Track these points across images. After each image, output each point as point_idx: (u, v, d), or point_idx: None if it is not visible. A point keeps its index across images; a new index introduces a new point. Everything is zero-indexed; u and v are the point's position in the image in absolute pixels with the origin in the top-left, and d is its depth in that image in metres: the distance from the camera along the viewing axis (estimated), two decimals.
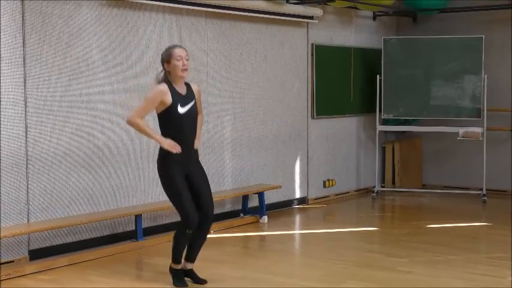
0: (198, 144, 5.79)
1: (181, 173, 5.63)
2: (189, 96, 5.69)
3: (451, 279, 5.99)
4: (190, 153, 5.69)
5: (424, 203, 10.11)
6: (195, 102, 5.73)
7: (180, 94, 5.61)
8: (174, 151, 5.55)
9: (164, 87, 5.56)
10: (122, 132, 7.23)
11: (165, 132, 5.64)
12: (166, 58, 5.60)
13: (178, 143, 5.58)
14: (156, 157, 5.73)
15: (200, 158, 5.88)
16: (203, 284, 5.84)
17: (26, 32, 6.42)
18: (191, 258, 5.87)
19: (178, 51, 5.59)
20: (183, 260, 5.85)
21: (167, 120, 5.61)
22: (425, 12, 10.76)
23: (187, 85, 5.73)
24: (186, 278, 5.81)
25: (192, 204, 5.63)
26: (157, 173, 5.72)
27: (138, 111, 5.64)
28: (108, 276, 6.06)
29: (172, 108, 5.55)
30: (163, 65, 5.64)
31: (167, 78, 5.62)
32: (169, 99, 5.54)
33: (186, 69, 5.61)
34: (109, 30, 7.14)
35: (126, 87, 7.26)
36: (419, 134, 11.11)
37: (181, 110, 5.58)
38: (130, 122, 5.63)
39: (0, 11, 6.20)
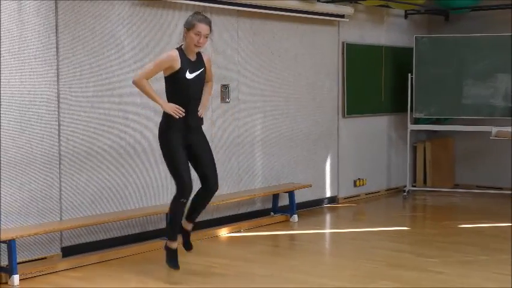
0: (202, 111, 5.82)
1: (181, 141, 5.67)
2: (199, 63, 5.73)
3: (482, 280, 5.93)
4: (193, 120, 5.72)
5: (456, 203, 10.02)
6: (204, 70, 5.76)
7: (189, 60, 5.66)
8: (177, 115, 5.57)
9: (175, 53, 5.62)
10: (153, 130, 7.27)
11: (170, 97, 5.68)
12: (188, 26, 5.64)
13: (181, 108, 5.61)
14: None
15: (209, 128, 5.90)
16: (187, 250, 5.94)
17: (59, 31, 6.49)
18: (191, 217, 5.93)
19: (200, 26, 5.61)
20: (183, 219, 5.90)
21: (174, 84, 5.65)
22: (457, 10, 10.66)
23: (198, 53, 5.76)
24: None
25: (188, 173, 5.66)
26: (158, 137, 5.77)
27: (144, 73, 5.68)
28: (138, 274, 6.10)
29: (180, 73, 5.59)
30: (184, 28, 5.68)
31: (181, 44, 5.68)
32: (178, 64, 5.59)
33: (198, 46, 5.65)
34: (141, 29, 7.19)
35: (157, 87, 7.28)
36: (451, 133, 11.02)
37: (189, 75, 5.63)
38: (135, 83, 5.69)
39: (34, 10, 6.28)
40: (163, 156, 5.79)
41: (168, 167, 5.80)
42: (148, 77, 5.68)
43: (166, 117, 5.67)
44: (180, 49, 5.69)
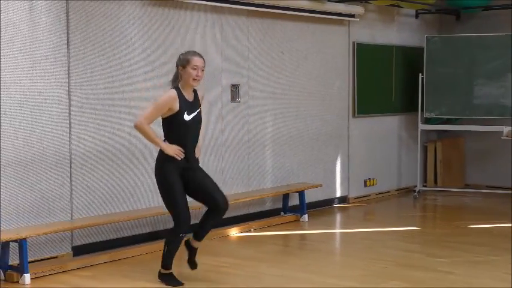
0: (198, 153, 5.82)
1: (179, 177, 5.62)
2: (196, 103, 5.71)
3: (492, 280, 5.92)
4: (191, 160, 5.70)
5: (467, 203, 9.99)
6: (200, 110, 5.75)
7: (187, 101, 5.63)
8: (178, 157, 5.57)
9: (174, 93, 5.58)
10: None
11: (168, 137, 5.66)
12: (182, 63, 5.62)
13: (182, 149, 5.61)
14: None
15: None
16: (192, 269, 5.90)
17: (70, 31, 6.52)
18: (199, 237, 5.88)
19: (195, 60, 5.61)
20: (191, 237, 5.87)
21: (172, 125, 5.62)
22: (468, 10, 10.63)
23: (194, 92, 5.74)
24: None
25: (186, 207, 5.63)
26: (155, 174, 5.73)
27: (147, 117, 5.62)
28: (148, 274, 6.11)
29: (179, 114, 5.57)
30: (177, 67, 5.67)
31: (177, 82, 5.66)
32: (177, 105, 5.55)
33: (198, 80, 5.64)
34: (152, 29, 7.21)
35: (167, 87, 7.28)
36: (462, 133, 10.99)
37: (187, 117, 5.60)
38: (138, 127, 5.62)
39: (45, 10, 6.31)
40: (161, 191, 5.71)
41: (165, 201, 5.71)
42: (151, 121, 5.64)
43: (164, 155, 5.63)
44: (177, 88, 5.64)
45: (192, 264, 5.94)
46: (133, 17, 7.04)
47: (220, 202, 5.77)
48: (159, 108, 5.60)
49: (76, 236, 6.68)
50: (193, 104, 5.69)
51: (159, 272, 5.87)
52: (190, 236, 5.90)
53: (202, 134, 5.98)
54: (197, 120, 5.71)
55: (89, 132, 6.72)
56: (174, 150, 5.58)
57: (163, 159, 5.64)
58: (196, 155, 5.79)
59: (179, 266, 6.01)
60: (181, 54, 5.71)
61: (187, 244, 5.94)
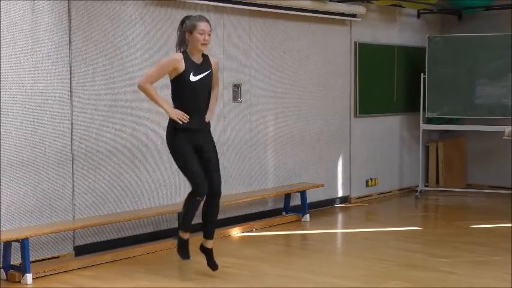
0: (209, 116, 5.81)
1: (189, 143, 5.65)
2: (204, 66, 5.71)
3: (495, 280, 5.91)
4: (200, 123, 5.71)
5: (468, 203, 9.99)
6: (210, 73, 5.73)
7: (194, 63, 5.64)
8: (181, 121, 5.57)
9: (179, 55, 5.62)
10: (165, 130, 7.27)
11: (176, 100, 5.68)
12: (189, 29, 5.62)
13: (188, 112, 5.61)
14: None
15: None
16: (213, 270, 5.91)
17: (72, 31, 6.52)
18: (208, 234, 5.91)
19: (202, 25, 5.61)
20: (202, 238, 5.91)
21: (178, 87, 5.65)
22: (470, 10, 10.62)
23: (205, 56, 5.76)
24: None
25: (201, 173, 5.66)
26: (166, 140, 5.77)
27: (148, 77, 5.67)
28: (150, 274, 6.11)
29: (184, 75, 5.58)
30: (183, 32, 5.66)
31: (184, 47, 5.66)
32: (182, 66, 5.58)
33: (205, 44, 5.64)
34: (154, 29, 7.21)
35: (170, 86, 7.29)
36: (464, 133, 10.98)
37: (193, 78, 5.61)
38: (140, 87, 5.69)
39: (47, 10, 6.32)
40: (174, 159, 5.79)
41: (180, 168, 5.80)
42: (153, 81, 5.66)
43: (172, 121, 5.67)
44: (184, 52, 5.67)
45: (213, 265, 5.94)
46: (135, 17, 7.05)
47: (215, 187, 5.79)
48: (161, 67, 5.65)
49: (78, 236, 6.69)
50: (202, 66, 5.68)
51: (179, 232, 5.92)
52: (201, 239, 5.97)
53: (215, 98, 5.94)
54: (205, 82, 5.69)
55: (90, 132, 6.72)
56: (177, 114, 5.59)
57: (171, 127, 5.68)
58: (207, 119, 5.78)
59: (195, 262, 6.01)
60: (186, 19, 5.69)
61: (202, 248, 5.96)
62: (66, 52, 6.48)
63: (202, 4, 7.56)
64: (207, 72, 5.71)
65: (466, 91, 10.06)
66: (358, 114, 9.78)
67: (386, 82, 10.21)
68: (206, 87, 5.73)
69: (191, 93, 5.64)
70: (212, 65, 5.79)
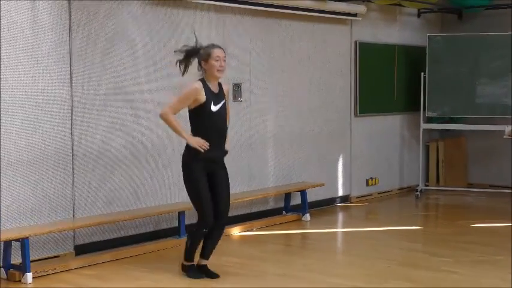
0: (228, 145, 5.88)
1: (204, 172, 5.69)
2: (221, 95, 5.77)
3: (496, 280, 5.91)
4: (218, 152, 5.75)
5: (469, 202, 9.98)
6: (225, 102, 5.81)
7: (213, 92, 5.69)
8: (202, 149, 5.59)
9: (199, 85, 5.64)
10: (166, 129, 7.27)
11: (195, 129, 5.71)
12: (204, 57, 5.67)
13: (208, 141, 5.64)
14: None
15: (231, 158, 5.92)
16: (216, 278, 5.91)
17: (72, 30, 6.51)
18: (205, 256, 5.97)
19: (217, 52, 5.66)
20: (198, 258, 5.97)
21: (199, 117, 5.67)
22: (470, 9, 10.62)
23: (219, 84, 5.80)
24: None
25: (210, 205, 5.71)
26: (182, 168, 5.79)
27: (172, 107, 5.70)
28: (151, 273, 6.11)
29: (206, 105, 5.62)
30: (200, 62, 5.70)
31: (202, 76, 5.72)
32: (203, 97, 5.61)
33: (222, 70, 5.70)
34: (153, 28, 7.20)
35: (170, 86, 7.29)
36: (464, 132, 10.97)
37: (214, 108, 5.66)
38: (163, 117, 5.72)
39: (47, 9, 6.31)
40: (186, 187, 5.80)
41: (190, 198, 5.82)
42: (176, 112, 5.71)
43: (190, 149, 5.68)
44: (202, 80, 5.70)
45: (212, 275, 5.94)
46: (135, 16, 7.03)
47: (222, 220, 5.85)
48: (185, 99, 5.67)
49: (78, 235, 6.68)
50: (219, 95, 5.74)
51: (182, 264, 5.96)
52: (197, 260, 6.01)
53: (228, 124, 6.01)
54: (223, 111, 5.75)
55: (91, 131, 6.71)
56: (198, 142, 5.62)
57: (190, 155, 5.70)
58: (226, 147, 5.85)
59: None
60: (201, 49, 5.72)
61: (198, 266, 5.99)
62: (66, 51, 6.47)
63: (203, 3, 7.54)
64: (224, 101, 5.79)
65: (466, 90, 10.05)
66: (358, 114, 9.78)
67: (386, 81, 10.20)
68: (223, 116, 5.80)
69: (212, 123, 5.68)
70: (224, 92, 5.85)
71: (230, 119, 5.91)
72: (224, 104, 5.78)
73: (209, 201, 5.72)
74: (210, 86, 5.68)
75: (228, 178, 5.91)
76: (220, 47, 5.74)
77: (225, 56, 5.72)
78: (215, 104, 5.67)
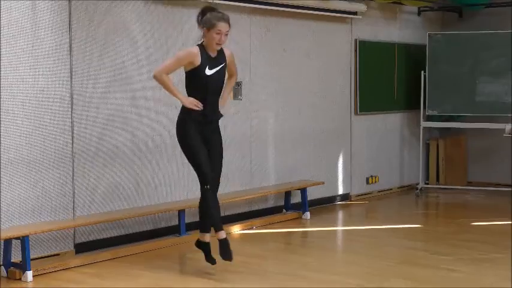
0: (223, 102, 5.92)
1: (199, 134, 5.74)
2: (219, 59, 5.80)
3: (496, 278, 5.91)
4: (211, 115, 5.79)
5: (469, 201, 9.98)
6: (224, 66, 5.83)
7: (209, 56, 5.73)
8: (196, 108, 5.64)
9: (195, 49, 5.71)
10: (166, 128, 7.28)
11: (190, 92, 5.77)
12: (207, 25, 5.69)
13: (202, 103, 5.68)
14: None
15: (224, 125, 5.92)
16: (212, 264, 5.92)
17: (73, 29, 6.51)
18: (204, 227, 5.97)
19: (220, 25, 5.68)
20: (199, 233, 5.98)
21: (193, 79, 5.73)
22: (471, 7, 10.61)
23: (220, 49, 5.81)
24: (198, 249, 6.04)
25: (208, 163, 5.74)
26: (176, 129, 5.84)
27: (165, 67, 5.77)
28: (151, 271, 6.11)
29: (200, 69, 5.67)
30: (202, 27, 5.72)
31: (202, 40, 5.75)
32: (198, 60, 5.66)
33: (220, 44, 5.73)
34: (154, 27, 7.20)
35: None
36: (464, 130, 10.97)
37: (208, 71, 5.71)
38: (156, 77, 5.78)
39: (48, 8, 6.31)
40: (182, 148, 5.86)
41: (188, 158, 5.87)
42: (169, 72, 5.77)
43: (184, 110, 5.75)
44: (200, 45, 5.76)
45: (210, 260, 5.95)
46: (135, 15, 7.03)
47: (213, 185, 5.84)
48: (178, 60, 5.76)
49: (78, 234, 6.68)
50: (217, 60, 5.77)
51: (197, 239, 5.97)
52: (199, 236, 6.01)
53: (230, 86, 6.06)
54: (220, 75, 5.80)
55: (91, 130, 6.71)
56: (191, 102, 5.67)
57: (183, 118, 5.75)
58: (221, 105, 5.88)
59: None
60: (209, 13, 5.72)
61: (198, 244, 5.99)
62: (66, 50, 6.47)
63: (203, 2, 7.53)
64: (222, 65, 5.82)
65: (466, 89, 10.05)
66: (358, 112, 9.78)
67: (386, 80, 10.20)
68: (220, 80, 5.85)
69: (206, 86, 5.73)
70: (226, 57, 5.88)
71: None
72: (222, 68, 5.81)
73: (205, 157, 5.73)
74: (207, 51, 5.72)
75: (221, 144, 5.93)
76: (226, 21, 5.73)
77: (227, 31, 5.73)
78: (210, 68, 5.71)
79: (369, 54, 9.82)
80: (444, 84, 10.09)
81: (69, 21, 6.48)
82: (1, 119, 6.04)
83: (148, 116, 7.19)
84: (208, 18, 5.70)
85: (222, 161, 5.95)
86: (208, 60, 5.71)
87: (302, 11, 8.63)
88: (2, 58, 6.01)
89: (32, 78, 6.23)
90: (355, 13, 9.38)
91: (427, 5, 10.52)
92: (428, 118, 10.42)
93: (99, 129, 6.78)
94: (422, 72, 10.15)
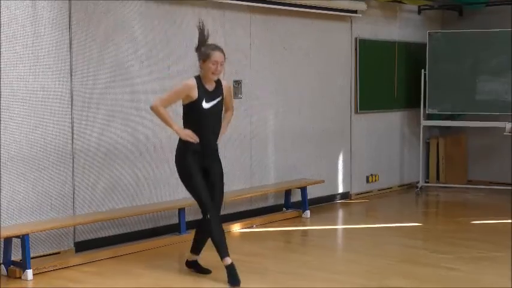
0: (223, 130, 5.90)
1: (197, 164, 5.71)
2: (217, 92, 5.76)
3: (496, 276, 5.91)
4: (209, 148, 5.76)
5: (469, 199, 9.98)
6: (222, 99, 5.80)
7: (207, 90, 5.69)
8: (191, 140, 5.63)
9: (193, 82, 5.67)
10: (165, 127, 7.25)
11: (187, 124, 5.74)
12: (203, 57, 5.67)
13: (199, 136, 5.66)
14: None
15: (223, 153, 5.93)
16: (208, 274, 5.94)
17: (73, 28, 6.51)
18: (197, 251, 6.00)
19: (215, 56, 5.65)
20: (188, 252, 6.01)
21: (190, 112, 5.71)
22: (471, 5, 10.61)
23: (218, 81, 5.80)
24: (190, 269, 6.04)
25: (207, 192, 5.72)
26: (175, 164, 5.81)
27: (163, 100, 5.76)
28: (151, 269, 6.11)
29: (197, 102, 5.65)
30: (198, 59, 5.71)
31: (200, 73, 5.73)
32: (195, 94, 5.63)
33: (216, 74, 5.69)
34: (153, 25, 7.19)
35: (171, 83, 7.29)
36: (465, 129, 10.96)
37: (205, 105, 5.67)
38: (154, 109, 5.76)
39: (48, 6, 6.30)
40: (181, 177, 5.79)
41: (188, 189, 5.82)
42: (166, 105, 5.75)
43: (183, 141, 5.72)
44: (198, 78, 5.72)
45: (204, 271, 5.98)
46: (135, 13, 7.03)
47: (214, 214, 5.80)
48: (176, 94, 5.74)
49: (78, 232, 6.68)
50: (214, 93, 5.74)
51: (225, 261, 5.86)
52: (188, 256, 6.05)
53: (228, 120, 6.01)
54: (217, 108, 5.77)
55: (91, 128, 6.71)
56: (187, 134, 5.65)
57: (182, 149, 5.73)
58: (221, 133, 5.88)
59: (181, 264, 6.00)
60: (203, 46, 5.72)
61: (188, 264, 6.04)
62: (66, 48, 6.47)
63: (203, 1, 7.53)
64: (219, 98, 5.78)
65: (466, 87, 10.05)
66: (358, 111, 9.77)
67: (387, 78, 10.20)
68: (218, 113, 5.82)
69: (203, 119, 5.71)
70: (224, 90, 5.85)
71: (233, 117, 5.94)
72: (219, 101, 5.78)
73: (205, 189, 5.71)
74: (204, 83, 5.69)
75: (222, 173, 5.89)
76: (220, 51, 5.71)
77: (223, 61, 5.70)
78: (207, 102, 5.68)
79: (369, 53, 9.82)
80: (444, 83, 10.09)
81: (69, 19, 6.48)
82: (1, 117, 6.04)
83: (148, 115, 7.16)
84: (202, 50, 5.69)
85: (223, 189, 5.91)
86: (205, 93, 5.67)
87: (302, 9, 8.63)
88: (2, 56, 6.01)
89: (32, 76, 6.23)
90: (355, 11, 9.38)
91: (427, 3, 10.52)
92: (429, 117, 10.42)
93: (99, 127, 6.78)
94: (422, 70, 10.15)
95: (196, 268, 6.03)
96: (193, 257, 6.03)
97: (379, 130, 10.17)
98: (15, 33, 6.08)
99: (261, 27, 8.36)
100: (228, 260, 5.74)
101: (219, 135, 5.86)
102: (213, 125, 5.78)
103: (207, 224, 5.72)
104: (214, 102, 5.73)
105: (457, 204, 9.71)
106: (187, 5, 7.49)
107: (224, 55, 5.72)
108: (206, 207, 5.70)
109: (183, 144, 5.72)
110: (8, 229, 5.96)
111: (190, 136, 5.64)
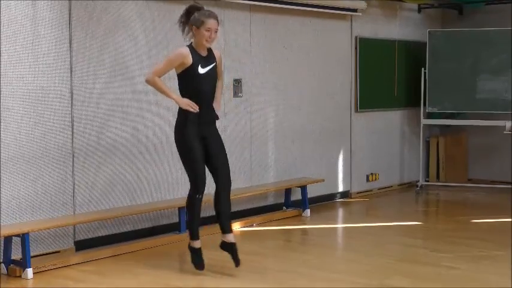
0: (218, 106, 5.88)
1: (197, 136, 5.69)
2: (210, 58, 5.76)
3: (496, 275, 5.91)
4: (207, 115, 5.76)
5: (469, 198, 9.98)
6: (215, 65, 5.79)
7: (201, 56, 5.69)
8: (192, 110, 5.60)
9: (185, 50, 5.66)
10: (166, 125, 7.28)
11: (184, 93, 5.72)
12: (196, 23, 5.65)
13: (197, 104, 5.64)
14: None
15: (220, 126, 5.94)
16: (236, 266, 5.88)
17: (73, 26, 6.51)
18: (224, 228, 5.91)
19: (210, 23, 5.64)
20: (221, 236, 5.92)
21: (186, 80, 5.68)
22: (471, 4, 10.61)
23: (209, 49, 5.79)
24: (225, 253, 5.93)
25: (203, 168, 5.71)
26: (174, 133, 5.81)
27: (156, 71, 5.72)
28: (151, 268, 6.11)
29: (193, 68, 5.63)
30: (191, 25, 5.68)
31: (191, 41, 5.72)
32: (189, 60, 5.62)
33: (210, 41, 5.68)
34: (154, 24, 7.19)
35: (170, 82, 7.27)
36: (465, 128, 10.97)
37: (201, 70, 5.67)
38: (148, 81, 5.74)
39: (48, 5, 6.30)
40: (179, 151, 5.79)
41: (183, 162, 5.81)
42: (160, 75, 5.72)
43: (182, 113, 5.69)
44: (190, 46, 5.72)
45: (235, 259, 5.90)
46: (135, 12, 7.03)
47: (222, 179, 5.84)
48: (169, 62, 5.70)
49: (78, 231, 6.68)
50: (208, 59, 5.74)
51: (189, 242, 5.93)
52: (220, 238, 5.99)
53: (221, 89, 6.01)
54: (212, 74, 5.75)
55: (91, 127, 6.71)
56: (187, 103, 5.62)
57: (182, 122, 5.70)
58: (217, 109, 5.85)
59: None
60: (196, 12, 5.70)
61: (223, 245, 5.94)
62: (66, 47, 6.47)
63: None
64: (213, 64, 5.78)
65: (466, 86, 10.04)
66: (358, 109, 9.77)
67: (387, 77, 10.20)
68: (213, 79, 5.80)
69: (200, 85, 5.68)
70: (216, 57, 5.85)
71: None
72: (213, 67, 5.77)
73: (202, 165, 5.72)
74: (198, 50, 5.68)
75: (221, 141, 5.88)
76: (215, 18, 5.69)
77: (217, 28, 5.69)
78: (203, 67, 5.67)
79: (369, 52, 9.82)
80: (444, 82, 10.08)
81: (69, 18, 6.48)
82: (1, 116, 6.03)
83: (149, 112, 7.18)
84: (196, 16, 5.67)
85: (226, 157, 5.91)
86: (199, 59, 5.66)
87: (302, 8, 8.62)
88: (2, 55, 6.01)
89: (32, 75, 6.23)
90: (355, 10, 9.38)
91: (427, 2, 10.52)
92: (429, 115, 10.42)
93: (99, 125, 6.78)
94: (422, 69, 10.15)
95: (197, 257, 5.93)
96: (195, 244, 5.93)
97: (379, 129, 10.16)
98: (15, 33, 6.08)
99: (261, 26, 8.35)
100: (197, 244, 5.84)
101: (217, 103, 5.84)
102: (210, 92, 5.76)
103: (194, 201, 5.75)
104: (210, 67, 5.71)
105: (457, 203, 9.71)
106: (187, 3, 7.47)
107: (218, 22, 5.70)
108: (199, 186, 5.70)
109: (182, 116, 5.68)
110: (8, 228, 5.96)
111: (190, 105, 5.61)
